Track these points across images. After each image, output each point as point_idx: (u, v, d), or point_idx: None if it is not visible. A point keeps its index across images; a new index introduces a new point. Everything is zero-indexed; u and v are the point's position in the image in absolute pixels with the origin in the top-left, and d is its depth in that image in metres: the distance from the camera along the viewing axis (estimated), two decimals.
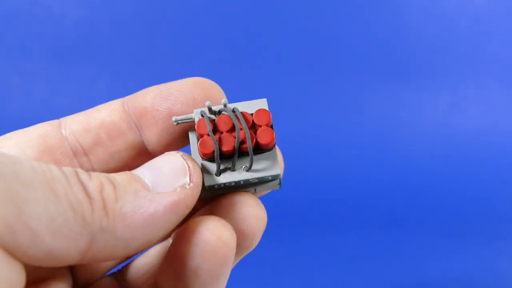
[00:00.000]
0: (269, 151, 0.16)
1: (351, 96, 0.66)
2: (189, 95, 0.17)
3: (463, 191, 0.59)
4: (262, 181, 0.17)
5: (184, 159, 0.15)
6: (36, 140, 0.17)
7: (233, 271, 0.16)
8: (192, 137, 0.17)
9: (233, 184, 0.16)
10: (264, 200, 0.18)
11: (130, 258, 0.15)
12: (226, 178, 0.16)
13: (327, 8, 0.66)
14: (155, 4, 0.65)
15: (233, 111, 0.16)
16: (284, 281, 0.43)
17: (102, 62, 0.63)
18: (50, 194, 0.12)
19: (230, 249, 0.15)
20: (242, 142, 0.16)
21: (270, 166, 0.16)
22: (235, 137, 0.16)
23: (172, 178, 0.15)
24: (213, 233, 0.15)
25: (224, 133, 0.16)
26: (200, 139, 0.16)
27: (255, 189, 0.17)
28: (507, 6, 0.68)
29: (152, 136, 0.18)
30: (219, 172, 0.16)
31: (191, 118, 0.17)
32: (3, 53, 0.62)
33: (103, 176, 0.14)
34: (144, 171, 0.15)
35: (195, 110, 0.17)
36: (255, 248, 0.17)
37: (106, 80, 0.63)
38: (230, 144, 0.16)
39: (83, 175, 0.14)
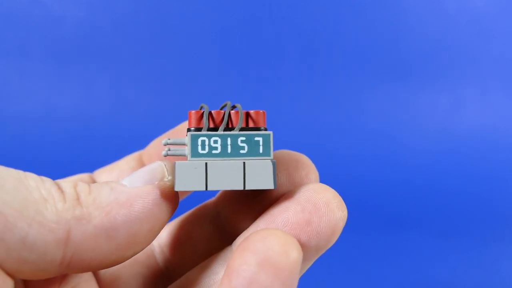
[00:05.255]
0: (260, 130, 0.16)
1: (351, 96, 0.66)
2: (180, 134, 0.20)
3: (463, 191, 0.59)
4: (252, 151, 0.16)
5: (162, 162, 0.16)
6: None
7: None
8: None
9: (218, 142, 0.15)
10: None
11: (120, 262, 0.15)
12: (217, 131, 0.16)
13: (327, 8, 0.66)
14: (155, 4, 0.65)
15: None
16: None
17: (102, 63, 0.63)
18: (20, 186, 0.13)
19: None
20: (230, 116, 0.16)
21: (262, 132, 0.16)
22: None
23: (149, 175, 0.15)
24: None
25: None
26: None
27: (244, 183, 0.15)
28: (507, 6, 0.68)
29: None
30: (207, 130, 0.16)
31: (184, 144, 0.16)
32: (3, 53, 0.62)
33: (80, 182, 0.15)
34: (123, 178, 0.15)
35: (189, 132, 0.16)
36: None
37: (106, 80, 0.63)
38: (221, 113, 0.16)
39: (60, 180, 0.14)
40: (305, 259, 0.14)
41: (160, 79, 0.64)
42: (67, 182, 0.14)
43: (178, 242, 0.20)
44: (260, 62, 0.65)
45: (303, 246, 0.14)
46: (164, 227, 0.21)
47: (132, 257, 0.19)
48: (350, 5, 0.67)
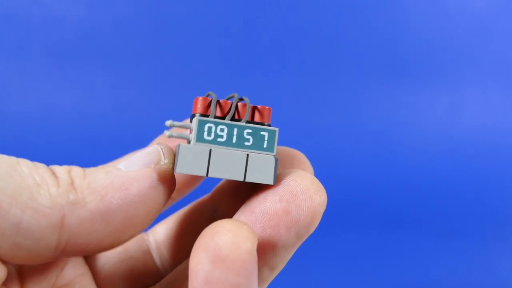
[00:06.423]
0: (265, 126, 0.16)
1: (351, 96, 0.66)
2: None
3: (463, 191, 0.59)
4: (256, 145, 0.16)
5: (158, 146, 0.15)
6: None
7: None
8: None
9: (225, 131, 0.15)
10: None
11: (118, 245, 0.15)
12: (222, 119, 0.16)
13: (327, 8, 0.66)
14: (155, 4, 0.65)
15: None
16: (284, 281, 0.43)
17: (102, 63, 0.63)
18: (13, 172, 0.13)
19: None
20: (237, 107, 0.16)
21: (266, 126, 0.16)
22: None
23: (146, 159, 0.15)
24: None
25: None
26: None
27: (245, 175, 0.16)
28: (507, 6, 0.68)
29: None
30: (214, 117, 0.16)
31: (188, 127, 0.16)
32: (3, 53, 0.62)
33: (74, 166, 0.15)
34: (118, 163, 0.15)
35: (196, 116, 0.16)
36: None
37: (106, 80, 0.63)
38: (229, 103, 0.16)
39: (54, 166, 0.14)
40: (287, 247, 0.15)
41: (160, 79, 0.64)
42: (61, 167, 0.14)
43: (175, 238, 0.20)
44: (259, 62, 0.65)
45: (284, 235, 0.14)
46: (161, 223, 0.21)
47: (129, 253, 0.19)
48: (351, 4, 0.67)
